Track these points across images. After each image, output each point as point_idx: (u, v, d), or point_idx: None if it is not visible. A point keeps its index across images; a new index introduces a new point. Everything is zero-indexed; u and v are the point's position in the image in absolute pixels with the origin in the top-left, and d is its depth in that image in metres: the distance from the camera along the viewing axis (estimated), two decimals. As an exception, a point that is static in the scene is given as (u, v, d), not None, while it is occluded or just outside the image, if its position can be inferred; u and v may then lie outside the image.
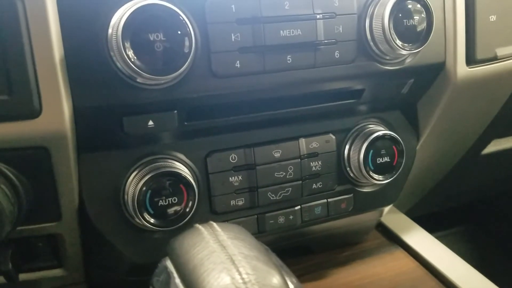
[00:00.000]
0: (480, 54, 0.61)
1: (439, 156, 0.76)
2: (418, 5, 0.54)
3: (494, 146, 0.95)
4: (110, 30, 0.44)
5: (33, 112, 0.43)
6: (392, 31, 0.53)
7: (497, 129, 0.86)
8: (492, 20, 0.61)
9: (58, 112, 0.44)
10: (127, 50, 0.43)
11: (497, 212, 1.44)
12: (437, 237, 1.39)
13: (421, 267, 0.69)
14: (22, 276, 0.56)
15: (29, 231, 0.52)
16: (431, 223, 1.34)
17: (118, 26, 0.43)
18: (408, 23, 0.54)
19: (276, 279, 0.33)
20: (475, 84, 0.64)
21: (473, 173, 1.01)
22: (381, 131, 0.61)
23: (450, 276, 0.66)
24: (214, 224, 0.38)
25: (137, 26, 0.43)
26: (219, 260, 0.33)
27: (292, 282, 0.35)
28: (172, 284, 0.36)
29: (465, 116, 0.71)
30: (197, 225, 0.38)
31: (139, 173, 0.51)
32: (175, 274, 0.36)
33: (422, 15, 0.54)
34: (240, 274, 0.32)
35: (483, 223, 1.47)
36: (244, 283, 0.32)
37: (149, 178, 0.50)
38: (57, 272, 0.59)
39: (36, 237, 0.55)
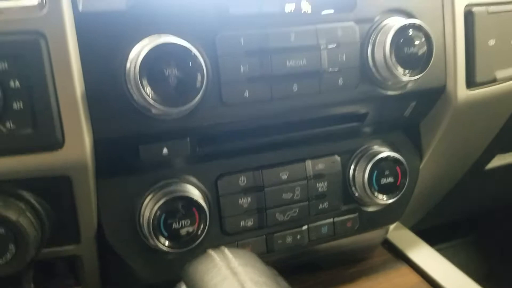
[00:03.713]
0: (480, 77, 0.63)
1: (442, 174, 0.78)
2: (419, 34, 0.56)
3: (498, 161, 0.96)
4: (128, 65, 0.47)
5: (56, 144, 0.46)
6: (393, 59, 0.55)
7: (500, 145, 0.87)
8: (491, 44, 0.63)
9: (80, 143, 0.47)
10: (143, 85, 0.46)
11: (502, 222, 1.44)
12: (443, 248, 1.41)
13: (425, 282, 0.71)
14: (43, 294, 0.59)
15: (50, 253, 0.54)
16: (437, 234, 1.35)
17: (136, 62, 0.46)
18: (409, 50, 0.56)
19: None
20: (475, 105, 0.66)
21: (477, 187, 1.03)
22: (385, 152, 0.63)
23: (454, 291, 0.68)
24: (226, 250, 0.40)
25: (153, 62, 0.45)
26: (231, 287, 0.36)
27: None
28: None
29: (467, 136, 0.73)
30: (210, 251, 0.41)
31: (154, 197, 0.54)
32: None
33: (423, 43, 0.56)
34: None
35: (489, 234, 1.48)
36: None
37: (163, 203, 0.53)
38: (75, 290, 0.62)
39: (56, 258, 0.58)
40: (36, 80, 0.44)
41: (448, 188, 0.88)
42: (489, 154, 0.89)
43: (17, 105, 0.44)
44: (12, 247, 0.47)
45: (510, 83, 0.67)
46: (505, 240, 1.47)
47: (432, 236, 1.33)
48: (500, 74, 0.65)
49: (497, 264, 1.49)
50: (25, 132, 0.45)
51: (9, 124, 0.45)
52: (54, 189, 0.49)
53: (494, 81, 0.65)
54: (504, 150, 0.94)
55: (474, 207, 1.19)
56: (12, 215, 0.47)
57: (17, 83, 0.44)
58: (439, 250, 1.43)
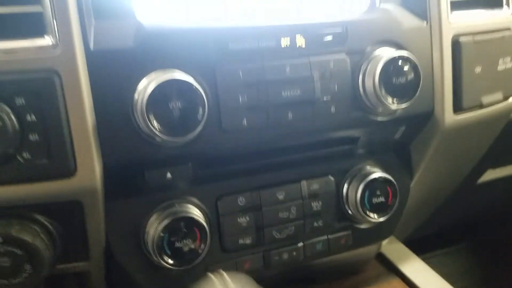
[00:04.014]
0: (466, 103, 0.67)
1: (433, 190, 0.82)
2: (407, 65, 0.60)
3: (490, 175, 1.00)
4: (135, 98, 0.51)
5: (69, 172, 0.50)
6: (382, 88, 0.59)
7: (489, 161, 0.91)
8: (478, 71, 0.67)
9: (90, 170, 0.50)
10: (150, 117, 0.50)
11: (498, 228, 1.47)
12: (438, 254, 1.44)
13: (415, 295, 0.74)
14: (53, 307, 0.63)
15: (61, 270, 0.58)
16: (432, 241, 1.38)
17: (143, 96, 0.49)
18: (397, 81, 0.60)
19: None
20: (462, 128, 0.69)
21: (470, 200, 1.06)
22: (376, 173, 0.67)
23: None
24: (224, 274, 0.44)
25: (158, 97, 0.49)
26: None
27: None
28: None
29: (455, 155, 0.76)
30: (210, 274, 0.44)
31: (158, 217, 0.58)
32: None
33: (410, 74, 0.60)
34: None
35: (484, 240, 1.51)
36: None
37: (167, 222, 0.56)
38: (83, 302, 0.66)
39: (66, 274, 0.62)
40: (51, 114, 0.48)
41: (439, 201, 0.92)
42: (480, 169, 0.93)
43: (33, 137, 0.48)
44: (28, 267, 0.51)
45: (496, 107, 0.71)
46: (500, 246, 1.50)
47: (427, 243, 1.36)
48: (486, 99, 0.68)
49: (493, 270, 1.52)
50: (40, 162, 0.49)
51: (26, 155, 0.48)
52: (66, 213, 0.53)
53: (480, 106, 0.68)
54: (495, 165, 0.98)
55: (468, 217, 1.22)
56: (28, 238, 0.50)
57: (33, 116, 0.48)
58: (434, 257, 1.46)
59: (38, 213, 0.52)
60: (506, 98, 0.72)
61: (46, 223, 0.53)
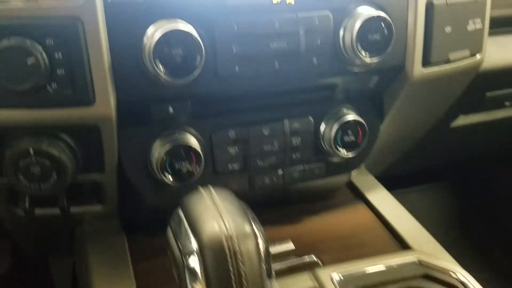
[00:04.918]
0: (434, 58, 0.75)
1: (403, 132, 0.93)
2: (382, 24, 0.68)
3: (462, 120, 1.10)
4: (144, 42, 0.60)
5: (89, 102, 0.60)
6: (359, 43, 0.68)
7: (459, 109, 1.01)
8: (448, 31, 0.75)
9: (106, 101, 0.61)
10: (155, 60, 0.59)
11: (471, 172, 1.60)
12: (411, 191, 1.58)
13: (376, 219, 0.87)
14: (72, 210, 0.76)
15: (81, 179, 0.70)
16: (412, 179, 1.52)
17: (150, 42, 0.59)
18: (372, 37, 0.68)
19: (247, 228, 0.51)
20: (430, 80, 0.78)
21: (443, 142, 1.17)
22: (350, 115, 0.77)
23: (397, 227, 0.84)
24: (211, 188, 0.55)
25: (163, 44, 0.59)
26: (212, 214, 0.50)
27: (259, 230, 0.53)
28: (182, 226, 0.53)
29: (424, 104, 0.86)
30: (200, 188, 0.56)
31: (161, 143, 0.69)
32: (184, 220, 0.53)
33: (384, 32, 0.68)
34: (224, 224, 0.50)
35: (462, 180, 1.64)
36: (226, 229, 0.49)
37: (169, 147, 0.68)
38: (97, 208, 0.78)
39: (84, 183, 0.75)
40: (75, 53, 0.58)
41: (411, 142, 1.03)
42: (450, 116, 1.03)
43: (60, 72, 0.58)
44: (54, 175, 0.63)
45: (462, 62, 0.80)
46: (476, 187, 1.64)
47: (408, 181, 1.50)
48: (453, 55, 0.77)
49: (463, 209, 1.67)
50: (66, 92, 0.59)
51: (54, 86, 0.59)
52: (87, 134, 0.64)
53: (447, 61, 0.77)
54: (466, 112, 1.08)
55: (441, 159, 1.34)
56: (55, 152, 0.62)
57: (60, 55, 0.58)
58: (410, 193, 1.61)
59: (63, 133, 0.64)
60: (473, 54, 0.80)
61: (70, 141, 0.64)
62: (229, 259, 0.48)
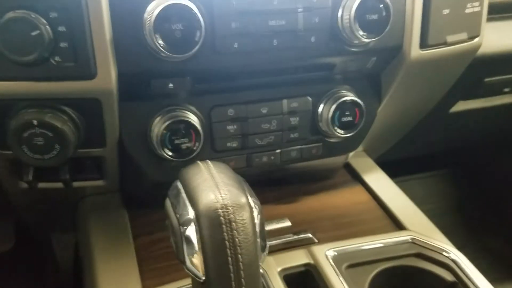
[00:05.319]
0: (431, 40, 0.76)
1: (401, 115, 0.94)
2: (380, 4, 0.69)
3: (461, 106, 1.11)
4: (145, 17, 0.61)
5: (90, 75, 0.62)
6: (356, 23, 0.68)
7: (458, 94, 1.02)
8: (446, 13, 0.76)
9: (107, 75, 0.62)
10: (155, 35, 0.61)
11: (471, 158, 1.61)
12: (413, 179, 1.59)
13: (372, 200, 0.89)
14: (75, 184, 0.78)
15: (82, 153, 0.72)
16: (411, 168, 1.53)
17: (151, 17, 0.60)
18: (370, 17, 0.69)
19: (243, 199, 0.52)
20: (427, 63, 0.79)
21: (442, 128, 1.18)
22: (348, 96, 0.78)
23: (393, 208, 0.86)
24: (209, 161, 0.57)
25: (163, 18, 0.60)
26: (208, 185, 0.52)
27: (254, 202, 0.54)
28: (180, 196, 0.55)
29: (421, 86, 0.87)
30: (198, 161, 0.57)
31: (162, 118, 0.70)
32: (182, 191, 0.55)
33: (382, 12, 0.69)
34: (220, 194, 0.51)
35: (458, 169, 1.65)
36: (222, 199, 0.51)
37: (169, 123, 0.69)
38: (99, 182, 0.80)
39: (86, 158, 0.76)
40: (78, 27, 0.59)
41: (409, 126, 1.04)
42: (449, 100, 1.04)
43: (63, 45, 0.60)
44: (57, 146, 0.65)
45: (460, 46, 0.80)
46: (474, 174, 1.65)
47: (408, 168, 1.51)
48: (450, 38, 0.78)
49: (464, 196, 1.68)
50: (68, 65, 0.61)
51: (57, 58, 0.60)
52: (88, 108, 0.66)
53: (444, 44, 0.78)
54: (466, 98, 1.09)
55: (440, 144, 1.35)
56: (58, 124, 0.63)
57: (63, 28, 0.59)
58: (410, 180, 1.62)
59: (66, 106, 0.65)
60: (471, 38, 0.81)
61: (72, 114, 0.66)
62: (224, 227, 0.49)
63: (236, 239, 0.50)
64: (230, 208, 0.50)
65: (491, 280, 0.73)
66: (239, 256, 0.49)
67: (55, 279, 1.25)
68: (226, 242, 0.49)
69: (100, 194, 0.87)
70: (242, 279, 0.49)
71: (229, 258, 0.48)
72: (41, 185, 0.76)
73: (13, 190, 0.83)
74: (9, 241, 1.29)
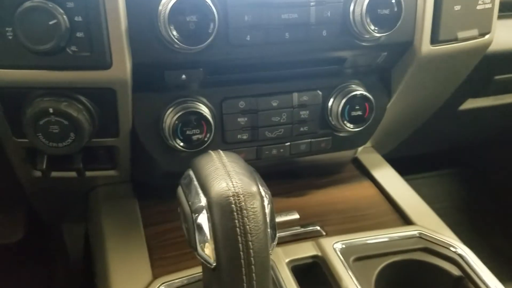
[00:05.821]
0: (442, 36, 0.77)
1: (410, 111, 0.94)
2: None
3: (470, 104, 1.12)
4: (160, 8, 0.62)
5: (106, 65, 0.63)
6: (368, 17, 0.69)
7: (467, 92, 1.02)
8: (457, 9, 0.76)
9: (122, 66, 0.64)
10: (170, 26, 0.62)
11: (480, 157, 1.60)
12: (423, 177, 1.59)
13: (380, 194, 0.89)
14: (87, 173, 0.79)
15: (96, 143, 0.73)
16: (419, 166, 1.53)
17: (166, 8, 0.61)
18: (382, 12, 0.70)
19: (254, 187, 0.53)
20: (437, 59, 0.80)
21: (451, 125, 1.19)
22: (358, 91, 0.79)
23: (401, 203, 0.87)
24: (221, 151, 0.58)
25: (178, 10, 0.61)
26: (220, 173, 0.53)
27: (264, 191, 0.55)
28: (192, 185, 0.55)
29: (431, 82, 0.87)
30: (210, 151, 0.58)
31: (174, 110, 0.72)
32: (194, 179, 0.56)
33: (394, 7, 0.70)
34: (232, 182, 0.52)
35: (466, 167, 1.64)
36: (234, 187, 0.52)
37: (180, 114, 0.71)
38: (111, 172, 0.82)
39: (99, 147, 0.78)
40: (94, 17, 0.60)
41: (418, 123, 1.05)
42: (459, 98, 1.04)
43: (79, 34, 0.61)
44: (72, 135, 0.66)
45: (471, 42, 0.81)
46: (483, 174, 1.65)
47: (416, 166, 1.51)
48: (461, 34, 0.78)
49: (472, 195, 1.68)
50: (84, 55, 0.62)
51: (73, 48, 0.61)
52: (103, 97, 0.67)
53: (455, 40, 0.79)
54: (475, 96, 1.09)
55: (453, 142, 1.35)
56: (73, 112, 0.64)
57: (80, 18, 0.60)
58: (419, 178, 1.62)
59: (81, 95, 0.66)
60: (482, 35, 0.81)
61: (87, 103, 0.67)
62: (235, 215, 0.50)
63: (247, 227, 0.51)
64: (241, 196, 0.51)
65: (498, 279, 0.73)
66: (250, 243, 0.50)
67: (65, 270, 1.27)
68: (237, 229, 0.50)
69: (112, 184, 0.88)
70: (252, 266, 0.50)
71: (240, 245, 0.49)
72: (54, 174, 0.78)
73: (27, 178, 0.84)
74: (19, 232, 1.31)
